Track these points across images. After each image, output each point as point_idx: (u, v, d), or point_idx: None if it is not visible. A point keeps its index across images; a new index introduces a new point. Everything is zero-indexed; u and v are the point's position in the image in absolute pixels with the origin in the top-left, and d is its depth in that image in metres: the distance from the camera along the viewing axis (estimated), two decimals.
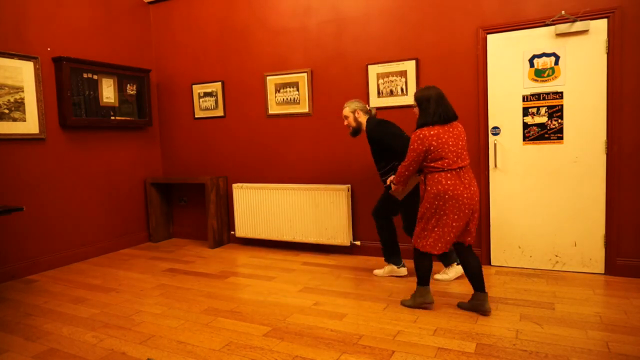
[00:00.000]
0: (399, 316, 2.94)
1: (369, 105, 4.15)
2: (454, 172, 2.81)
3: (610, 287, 3.34)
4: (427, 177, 2.89)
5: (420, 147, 2.82)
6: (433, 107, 2.84)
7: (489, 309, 2.89)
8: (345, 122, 3.69)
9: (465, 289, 3.36)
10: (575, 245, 3.67)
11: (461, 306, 3.03)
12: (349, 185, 4.42)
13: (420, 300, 3.03)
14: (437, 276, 3.64)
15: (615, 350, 2.39)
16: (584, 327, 2.68)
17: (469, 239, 2.93)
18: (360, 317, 2.96)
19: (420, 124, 2.88)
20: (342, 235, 4.42)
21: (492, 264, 3.97)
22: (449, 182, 2.80)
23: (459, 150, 2.83)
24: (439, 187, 2.81)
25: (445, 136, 2.81)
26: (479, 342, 2.54)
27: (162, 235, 5.49)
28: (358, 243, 4.48)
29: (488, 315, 2.89)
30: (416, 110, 2.97)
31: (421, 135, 2.82)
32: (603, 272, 3.61)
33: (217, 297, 3.45)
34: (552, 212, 3.72)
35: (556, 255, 3.74)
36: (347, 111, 3.66)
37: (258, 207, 4.85)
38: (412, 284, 3.53)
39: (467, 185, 2.82)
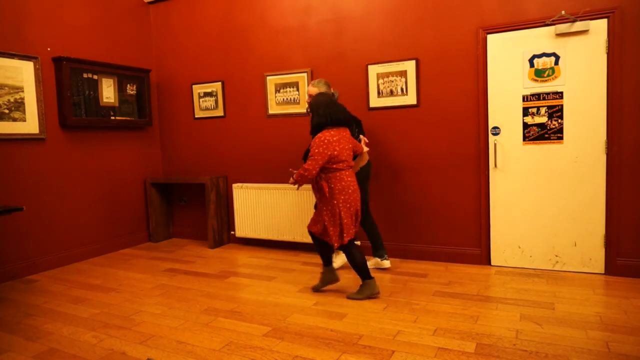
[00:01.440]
0: (399, 316, 2.94)
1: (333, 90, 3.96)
2: (350, 171, 3.19)
3: (610, 287, 3.34)
4: (329, 175, 3.15)
5: (327, 151, 3.08)
6: (323, 110, 3.15)
7: (379, 290, 3.27)
8: (307, 98, 3.74)
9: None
10: (575, 245, 3.67)
11: (352, 297, 3.26)
12: None
13: (368, 293, 3.26)
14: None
15: (615, 350, 2.39)
16: (584, 327, 2.68)
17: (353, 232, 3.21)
18: (360, 317, 2.96)
19: (315, 124, 3.18)
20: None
21: (492, 264, 3.97)
22: (349, 178, 3.15)
23: (349, 152, 3.18)
24: (343, 183, 3.12)
25: (339, 140, 3.12)
26: (479, 342, 2.54)
27: (162, 235, 5.49)
28: (358, 243, 4.48)
29: (377, 296, 3.24)
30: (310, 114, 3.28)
31: (326, 140, 3.09)
32: (603, 272, 3.61)
33: (217, 297, 3.45)
34: (552, 212, 3.72)
35: (556, 255, 3.74)
36: (314, 90, 3.66)
37: (258, 207, 4.85)
38: (414, 283, 3.53)
39: (355, 183, 3.20)
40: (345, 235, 3.16)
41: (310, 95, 3.66)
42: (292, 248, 4.81)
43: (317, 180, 3.20)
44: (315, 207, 3.52)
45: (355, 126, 3.72)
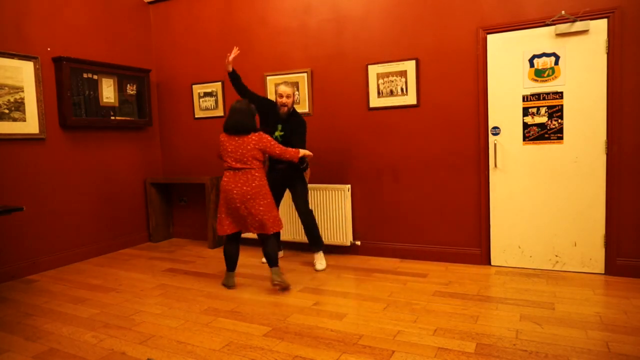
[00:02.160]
0: (399, 316, 2.94)
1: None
2: (231, 172, 3.46)
3: (610, 287, 3.34)
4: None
5: (218, 149, 3.58)
6: (227, 117, 3.51)
7: (281, 280, 3.49)
8: (286, 101, 3.82)
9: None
10: (575, 245, 3.67)
11: (274, 282, 3.49)
12: (349, 185, 4.42)
13: (224, 282, 3.67)
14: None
15: (615, 350, 2.39)
16: (584, 327, 2.68)
17: (265, 229, 3.45)
18: (360, 317, 2.96)
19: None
20: (342, 235, 4.42)
21: (492, 264, 3.97)
22: (225, 179, 3.47)
23: (238, 157, 3.43)
24: (222, 182, 3.50)
25: (227, 144, 3.47)
26: (479, 342, 2.54)
27: (162, 235, 5.49)
28: (358, 243, 4.48)
29: (284, 287, 3.48)
30: None
31: (219, 141, 3.57)
32: (603, 272, 3.61)
33: (217, 297, 3.45)
34: (552, 212, 3.72)
35: (556, 255, 3.74)
36: (292, 90, 3.86)
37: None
38: (414, 283, 3.53)
39: (239, 185, 3.41)
40: (218, 226, 3.53)
41: (288, 96, 3.83)
42: (292, 248, 4.81)
43: None
44: None
45: (289, 130, 3.90)
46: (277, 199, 4.07)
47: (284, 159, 3.57)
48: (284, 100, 3.82)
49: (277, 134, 3.91)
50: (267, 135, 3.52)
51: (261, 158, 3.50)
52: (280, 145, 3.54)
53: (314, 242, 4.08)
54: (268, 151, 3.49)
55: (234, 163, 3.45)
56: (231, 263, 3.63)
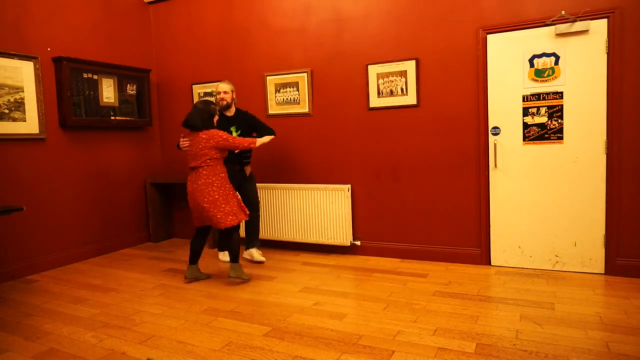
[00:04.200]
0: (399, 316, 2.94)
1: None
2: (190, 170, 3.66)
3: (610, 287, 3.34)
4: None
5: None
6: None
7: (236, 274, 3.72)
8: (224, 96, 4.04)
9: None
10: (575, 245, 3.67)
11: (230, 276, 3.73)
12: (349, 185, 4.42)
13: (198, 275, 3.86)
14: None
15: (615, 350, 2.39)
16: (584, 327, 2.68)
17: (215, 224, 3.62)
18: (360, 317, 2.96)
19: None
20: (342, 235, 4.42)
21: (492, 264, 3.97)
22: (189, 177, 3.68)
23: (192, 155, 3.60)
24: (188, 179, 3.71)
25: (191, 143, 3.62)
26: (479, 342, 2.54)
27: (162, 235, 5.49)
28: (358, 243, 4.48)
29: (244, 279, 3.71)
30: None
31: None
32: (603, 272, 3.61)
33: (217, 297, 3.45)
34: (552, 212, 3.72)
35: (556, 255, 3.74)
36: (229, 87, 4.09)
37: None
38: (414, 283, 3.53)
39: (190, 182, 3.64)
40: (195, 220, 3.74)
41: (226, 92, 4.06)
42: (292, 248, 4.81)
43: None
44: None
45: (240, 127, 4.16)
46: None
47: (244, 148, 3.76)
48: (222, 95, 4.05)
49: (234, 135, 4.06)
50: (219, 132, 3.63)
51: (215, 156, 3.61)
52: (236, 137, 3.70)
53: (257, 237, 4.41)
54: (224, 145, 3.62)
55: (189, 161, 3.65)
56: (194, 256, 3.81)
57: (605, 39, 3.45)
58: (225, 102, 4.06)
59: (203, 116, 3.60)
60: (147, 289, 3.71)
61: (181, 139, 3.74)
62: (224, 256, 4.47)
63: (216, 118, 3.70)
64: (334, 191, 4.42)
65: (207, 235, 3.83)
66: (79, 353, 2.60)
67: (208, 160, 3.58)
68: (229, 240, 3.74)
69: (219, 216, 3.58)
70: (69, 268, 4.41)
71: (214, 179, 3.60)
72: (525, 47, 3.70)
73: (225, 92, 4.07)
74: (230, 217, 3.61)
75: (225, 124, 4.06)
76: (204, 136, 3.58)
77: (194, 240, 3.81)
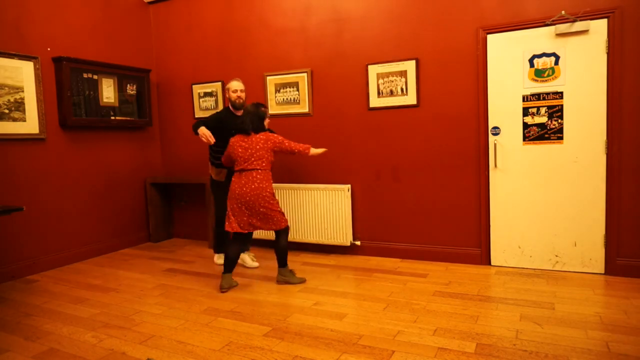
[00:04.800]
0: (399, 316, 2.94)
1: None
2: (237, 173, 3.56)
3: (610, 287, 3.34)
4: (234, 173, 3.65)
5: (229, 148, 3.65)
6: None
7: (284, 280, 3.69)
8: (240, 94, 4.01)
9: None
10: (575, 245, 3.67)
11: (279, 281, 3.70)
12: (349, 185, 4.42)
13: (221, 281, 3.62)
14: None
15: (615, 350, 2.39)
16: (584, 327, 2.68)
17: (276, 225, 3.57)
18: (360, 317, 2.96)
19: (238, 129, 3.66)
20: (342, 235, 4.42)
21: (492, 264, 3.97)
22: (233, 179, 3.57)
23: (246, 157, 3.53)
24: (232, 182, 3.59)
25: (236, 145, 3.57)
26: (479, 342, 2.54)
27: (162, 235, 5.49)
28: (358, 243, 4.48)
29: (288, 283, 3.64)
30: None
31: (230, 142, 3.65)
32: (603, 272, 3.60)
33: (217, 297, 3.45)
34: (552, 212, 3.72)
35: (556, 255, 3.74)
36: (243, 86, 4.07)
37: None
38: (414, 283, 3.53)
39: (240, 185, 3.50)
40: (227, 223, 3.58)
41: (242, 90, 4.04)
42: (292, 248, 4.81)
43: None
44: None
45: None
46: None
47: (299, 152, 3.67)
48: (238, 93, 4.00)
49: None
50: (274, 134, 3.62)
51: (270, 159, 3.60)
52: (290, 141, 3.68)
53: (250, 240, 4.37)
54: (281, 147, 3.61)
55: (239, 163, 3.55)
56: (230, 264, 3.60)
57: (605, 39, 3.45)
58: (241, 101, 4.02)
59: (254, 119, 3.57)
60: (147, 289, 3.71)
61: (206, 132, 3.69)
62: (219, 259, 4.39)
63: (267, 121, 3.68)
64: (334, 191, 4.42)
65: (245, 242, 3.71)
66: (79, 353, 2.60)
67: (264, 164, 3.54)
68: (278, 242, 3.65)
69: (278, 216, 3.56)
70: (69, 268, 4.41)
71: (269, 182, 3.56)
72: (525, 47, 3.70)
73: (241, 91, 4.03)
74: (285, 217, 3.63)
75: (232, 123, 3.97)
76: (262, 137, 3.55)
77: (231, 247, 3.60)
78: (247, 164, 3.52)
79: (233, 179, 3.59)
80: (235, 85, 4.03)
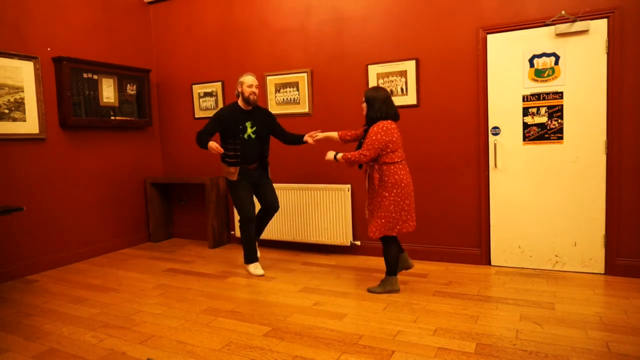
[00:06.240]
0: (399, 316, 2.94)
1: None
2: (404, 163, 3.26)
3: (610, 287, 3.34)
4: (383, 168, 3.20)
5: (385, 137, 3.15)
6: (379, 105, 3.22)
7: (411, 264, 3.45)
8: (254, 90, 3.81)
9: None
10: (575, 245, 3.67)
11: (372, 290, 3.41)
12: (349, 185, 4.42)
13: (389, 288, 3.38)
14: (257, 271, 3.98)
15: (615, 350, 2.39)
16: (584, 327, 2.68)
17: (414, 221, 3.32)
18: (360, 317, 2.96)
19: (370, 119, 3.26)
20: (342, 235, 4.42)
21: (492, 264, 3.97)
22: (402, 172, 3.20)
23: (400, 144, 3.26)
24: (396, 177, 3.18)
25: (395, 132, 3.22)
26: (479, 342, 2.54)
27: (162, 235, 5.49)
28: (358, 243, 4.48)
29: (397, 292, 3.37)
30: (364, 106, 3.33)
31: (384, 128, 3.17)
32: (603, 272, 3.61)
33: (217, 297, 3.45)
34: (552, 212, 3.72)
35: (556, 255, 3.74)
36: (257, 82, 3.89)
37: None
38: (414, 283, 3.53)
39: (408, 174, 3.26)
40: (388, 229, 3.23)
41: (257, 87, 3.85)
42: (292, 248, 4.82)
43: (370, 170, 3.29)
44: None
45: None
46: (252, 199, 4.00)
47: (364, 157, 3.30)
48: (254, 89, 3.81)
49: (249, 132, 3.85)
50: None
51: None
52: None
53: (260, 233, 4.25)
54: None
55: (402, 153, 3.25)
56: (396, 264, 3.37)
57: (605, 39, 3.45)
58: (255, 97, 3.82)
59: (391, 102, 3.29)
60: (147, 289, 3.71)
61: (214, 145, 3.63)
62: (257, 269, 3.98)
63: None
64: (334, 191, 4.42)
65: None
66: (79, 353, 2.60)
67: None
68: (390, 247, 3.33)
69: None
70: (69, 268, 4.41)
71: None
72: (525, 47, 3.70)
73: (256, 87, 3.83)
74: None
75: (241, 119, 3.82)
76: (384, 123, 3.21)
77: (395, 248, 3.33)
78: (403, 152, 3.26)
79: (398, 171, 3.17)
80: (251, 80, 3.81)
